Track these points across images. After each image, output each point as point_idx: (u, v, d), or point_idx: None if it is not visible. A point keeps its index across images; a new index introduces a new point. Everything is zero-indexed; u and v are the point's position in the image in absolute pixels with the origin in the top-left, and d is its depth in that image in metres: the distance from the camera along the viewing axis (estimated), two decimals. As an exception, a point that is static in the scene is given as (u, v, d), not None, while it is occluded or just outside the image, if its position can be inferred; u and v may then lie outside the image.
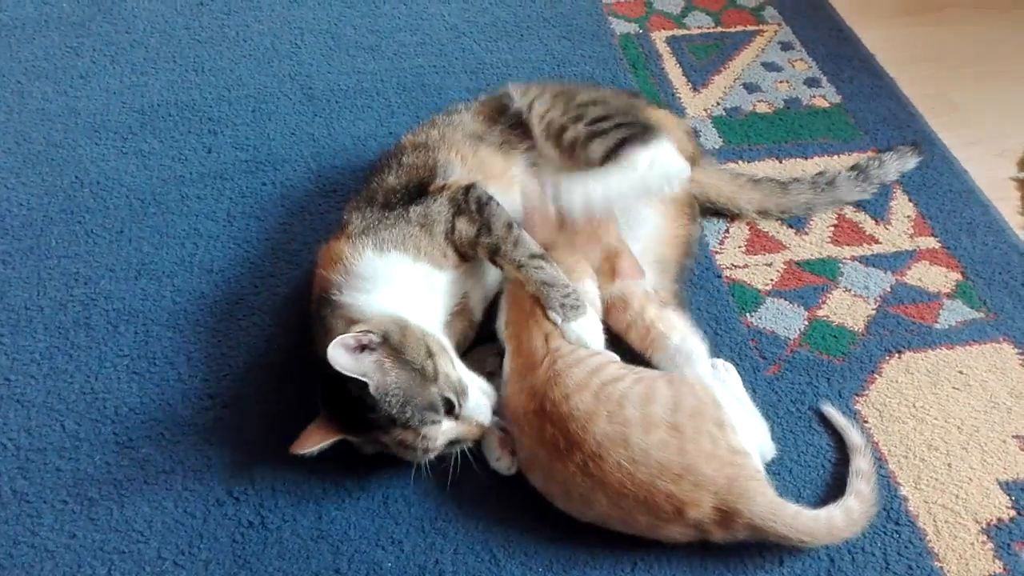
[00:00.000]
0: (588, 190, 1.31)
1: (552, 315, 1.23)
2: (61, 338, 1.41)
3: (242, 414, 1.31)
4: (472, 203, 1.29)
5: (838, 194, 1.61)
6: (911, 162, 1.68)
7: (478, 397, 1.17)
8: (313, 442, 1.14)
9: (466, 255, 1.30)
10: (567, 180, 1.32)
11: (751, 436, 1.14)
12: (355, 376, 1.07)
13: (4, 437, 1.28)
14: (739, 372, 1.35)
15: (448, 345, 1.20)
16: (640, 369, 1.20)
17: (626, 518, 1.08)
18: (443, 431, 1.13)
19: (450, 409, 1.13)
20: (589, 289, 1.30)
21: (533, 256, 1.26)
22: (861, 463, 1.18)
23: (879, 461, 1.25)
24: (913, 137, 1.77)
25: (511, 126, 1.47)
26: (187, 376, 1.36)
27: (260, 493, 1.22)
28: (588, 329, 1.24)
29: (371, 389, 1.08)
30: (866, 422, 1.29)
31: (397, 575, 1.14)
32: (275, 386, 1.34)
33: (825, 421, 1.29)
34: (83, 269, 1.52)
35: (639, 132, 1.38)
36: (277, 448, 1.26)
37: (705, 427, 1.08)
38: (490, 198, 1.30)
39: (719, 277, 1.51)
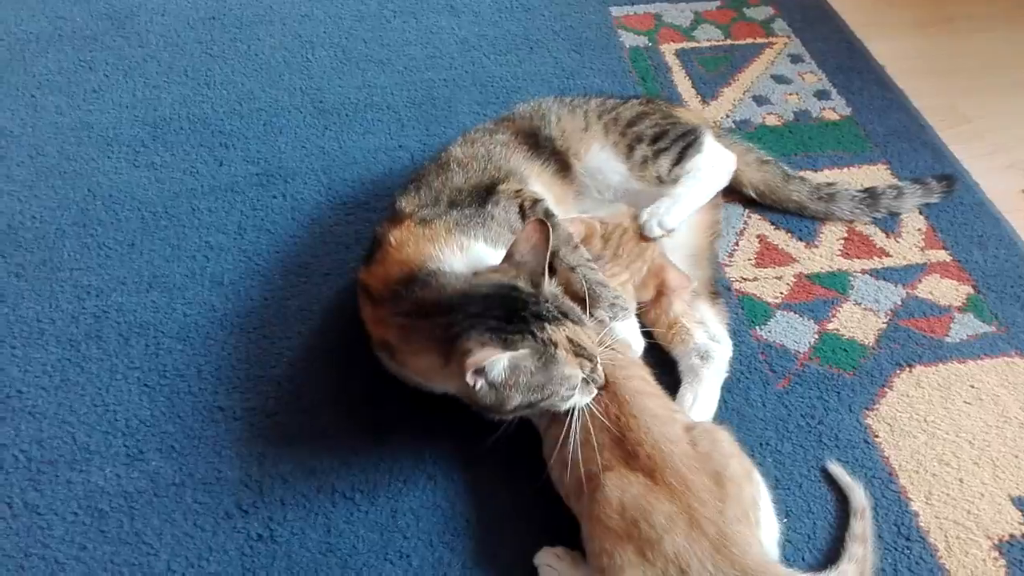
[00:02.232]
0: (667, 213, 1.41)
1: (600, 313, 1.25)
2: (72, 350, 1.42)
3: (252, 427, 1.31)
4: (540, 213, 1.31)
5: (833, 208, 1.61)
6: (934, 197, 1.64)
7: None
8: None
9: None
10: (646, 209, 1.42)
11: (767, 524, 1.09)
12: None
13: (16, 449, 1.29)
14: (749, 386, 1.35)
15: None
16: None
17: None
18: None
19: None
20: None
21: (589, 260, 1.30)
22: (858, 527, 1.14)
23: (890, 476, 1.24)
24: (924, 149, 1.77)
25: (553, 153, 1.49)
26: (197, 389, 1.36)
27: (269, 506, 1.22)
28: (632, 331, 1.29)
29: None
30: (876, 436, 1.29)
31: (406, 589, 1.14)
32: (285, 399, 1.35)
33: (833, 439, 1.28)
34: (95, 281, 1.53)
35: (692, 139, 1.51)
36: (287, 461, 1.27)
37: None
38: (553, 213, 1.33)
39: (729, 290, 1.50)
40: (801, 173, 1.69)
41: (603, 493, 1.04)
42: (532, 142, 1.48)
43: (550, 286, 1.14)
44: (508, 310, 1.09)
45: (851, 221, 1.62)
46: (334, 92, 1.94)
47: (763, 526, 1.04)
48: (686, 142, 1.51)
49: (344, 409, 1.32)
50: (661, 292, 1.36)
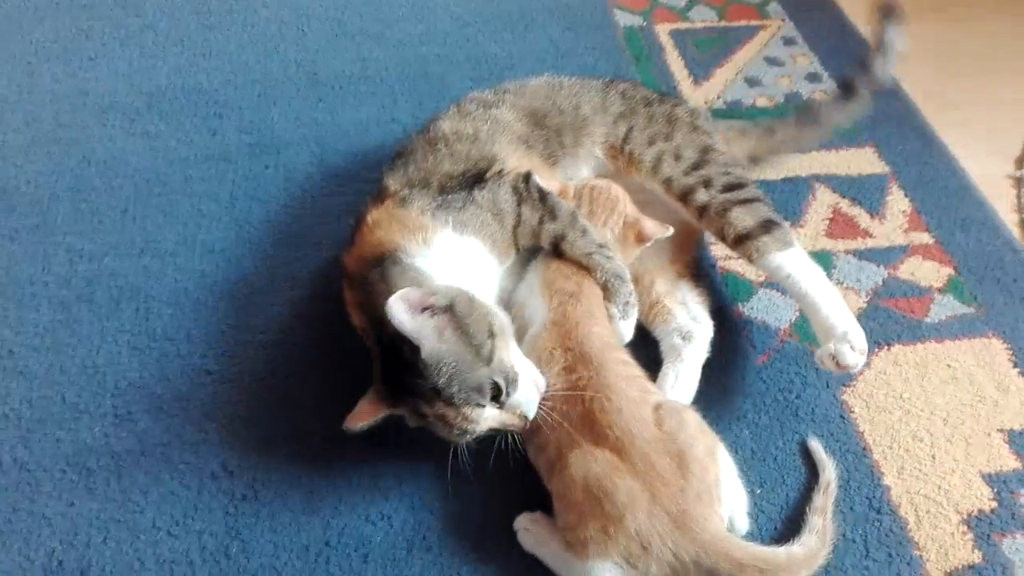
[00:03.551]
0: (852, 335, 1.22)
1: (612, 309, 1.26)
2: (64, 313, 1.44)
3: (239, 390, 1.34)
4: (533, 191, 1.30)
5: (822, 128, 1.63)
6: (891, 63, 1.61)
7: (528, 390, 1.12)
8: (364, 417, 1.14)
9: (521, 246, 1.31)
10: (827, 347, 1.23)
11: (733, 498, 1.11)
12: (410, 335, 1.06)
13: (6, 407, 1.31)
14: (729, 360, 1.37)
15: (510, 329, 1.18)
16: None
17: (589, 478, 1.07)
18: (485, 416, 1.10)
19: (496, 395, 1.10)
20: None
21: (601, 246, 1.28)
22: (820, 500, 1.16)
23: (864, 451, 1.26)
24: (912, 134, 1.78)
25: (557, 136, 1.46)
26: (186, 352, 1.39)
27: (254, 467, 1.24)
28: (630, 329, 1.29)
29: (423, 353, 1.06)
30: (852, 412, 1.31)
31: (386, 549, 1.16)
32: (272, 364, 1.37)
33: (810, 414, 1.31)
34: (87, 246, 1.54)
35: (774, 214, 1.37)
36: (272, 424, 1.29)
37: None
38: (548, 188, 1.31)
39: (713, 267, 1.52)
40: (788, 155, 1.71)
41: (569, 471, 1.06)
42: (533, 122, 1.46)
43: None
44: None
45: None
46: (328, 65, 1.95)
47: (726, 502, 1.06)
48: (768, 210, 1.36)
49: (330, 374, 1.34)
50: (639, 240, 1.35)
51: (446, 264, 1.21)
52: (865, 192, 1.67)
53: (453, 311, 1.10)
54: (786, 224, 1.37)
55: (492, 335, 1.11)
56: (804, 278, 1.30)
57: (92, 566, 1.15)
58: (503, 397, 1.10)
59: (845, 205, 1.64)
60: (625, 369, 1.16)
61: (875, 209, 1.63)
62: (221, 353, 1.38)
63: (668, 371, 1.32)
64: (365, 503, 1.21)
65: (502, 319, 1.16)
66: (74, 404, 1.32)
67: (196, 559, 1.15)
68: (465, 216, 1.25)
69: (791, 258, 1.32)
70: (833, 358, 1.21)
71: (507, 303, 1.30)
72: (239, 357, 1.38)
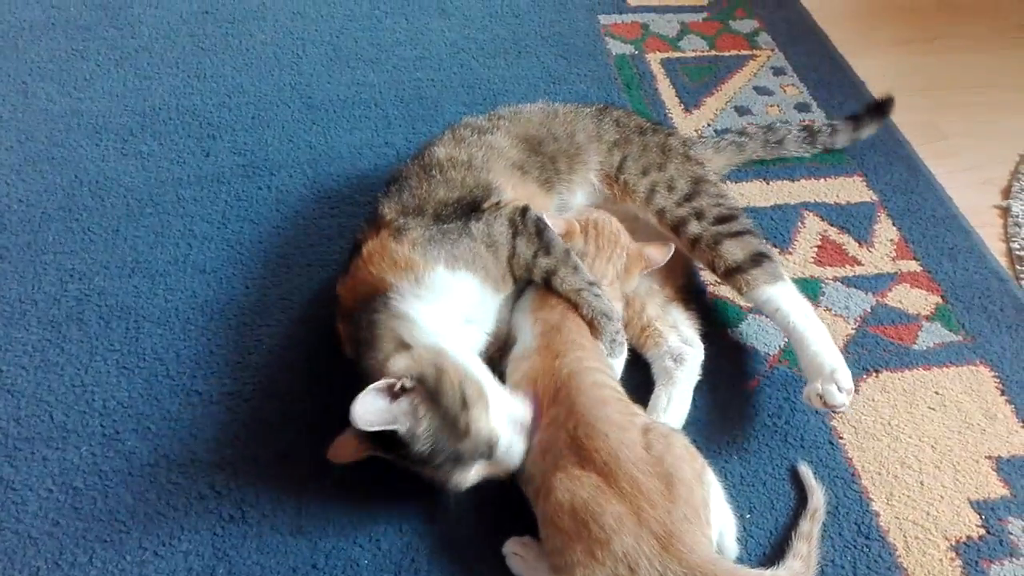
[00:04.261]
0: (837, 376, 1.24)
1: (600, 347, 1.26)
2: (53, 332, 1.43)
3: (228, 411, 1.33)
4: (530, 225, 1.30)
5: (783, 150, 1.79)
6: (864, 133, 1.83)
7: (511, 441, 1.12)
8: (348, 452, 1.15)
9: (518, 278, 1.31)
10: (813, 386, 1.25)
11: (722, 524, 1.11)
12: (382, 428, 1.06)
13: (-7, 426, 1.30)
14: (718, 385, 1.38)
15: (484, 382, 1.16)
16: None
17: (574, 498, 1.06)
18: (471, 475, 1.13)
19: (480, 458, 1.12)
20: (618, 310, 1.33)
21: (591, 283, 1.28)
22: (806, 526, 1.16)
23: (853, 477, 1.27)
24: (900, 163, 1.81)
25: (552, 162, 1.47)
26: (175, 372, 1.38)
27: (242, 488, 1.24)
28: (621, 366, 1.29)
29: (399, 434, 1.07)
30: (841, 438, 1.32)
31: (374, 572, 1.15)
32: (261, 385, 1.36)
33: (799, 439, 1.31)
34: (78, 265, 1.54)
35: (766, 245, 1.41)
36: (261, 445, 1.29)
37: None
38: (546, 223, 1.31)
39: (703, 293, 1.53)
40: (777, 183, 1.73)
41: (555, 495, 1.06)
42: (529, 148, 1.47)
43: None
44: None
45: (799, 157, 1.81)
46: (323, 88, 1.96)
47: (714, 525, 1.06)
48: (760, 242, 1.40)
49: (319, 397, 1.34)
50: (643, 267, 1.38)
51: (439, 302, 1.21)
52: (853, 220, 1.69)
53: (425, 385, 1.10)
54: (776, 257, 1.40)
55: (466, 406, 1.11)
56: (793, 313, 1.32)
57: (76, 587, 1.14)
58: (489, 456, 1.12)
59: (833, 233, 1.66)
60: (610, 394, 1.16)
61: (863, 237, 1.65)
62: (210, 374, 1.38)
63: (660, 394, 1.33)
64: (353, 525, 1.20)
65: (476, 380, 1.14)
66: (62, 423, 1.31)
67: (182, 580, 1.15)
68: (459, 250, 1.25)
69: (780, 292, 1.34)
70: (820, 397, 1.23)
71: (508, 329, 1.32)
72: (228, 378, 1.37)
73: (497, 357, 1.29)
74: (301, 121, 1.87)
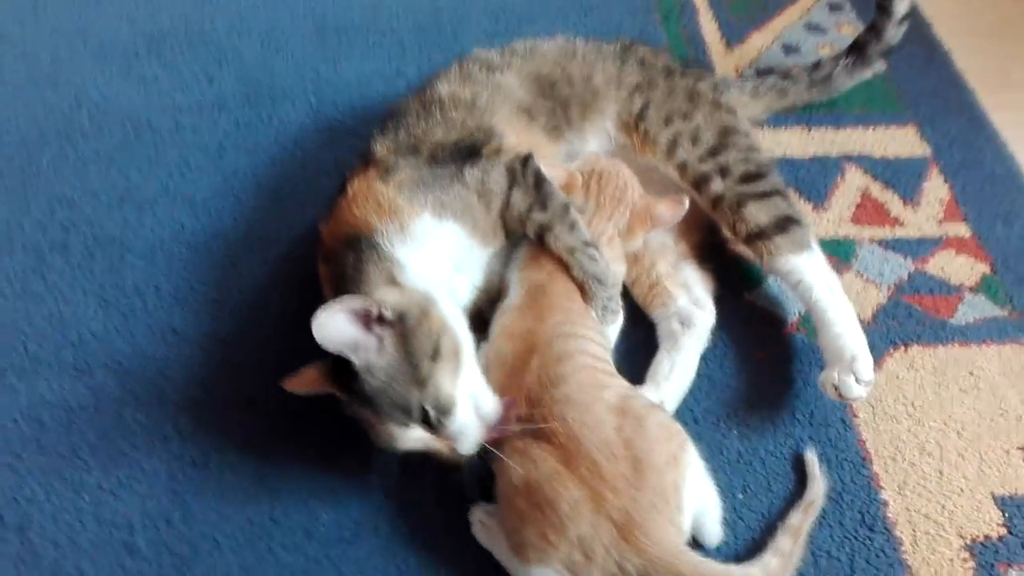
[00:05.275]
0: (857, 366, 1.12)
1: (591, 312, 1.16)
2: (37, 260, 1.39)
3: (202, 351, 1.28)
4: (530, 176, 1.18)
5: (835, 88, 1.60)
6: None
7: (466, 422, 1.01)
8: (306, 383, 1.06)
9: (511, 231, 1.20)
10: (830, 374, 1.13)
11: (703, 507, 1.02)
12: (339, 352, 0.98)
13: (-33, 353, 1.28)
14: (727, 352, 1.27)
15: (465, 348, 1.06)
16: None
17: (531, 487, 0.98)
18: (411, 437, 1.04)
19: (427, 419, 1.01)
20: (619, 274, 1.22)
21: (587, 244, 1.16)
22: (796, 519, 1.05)
23: (863, 461, 1.15)
24: (961, 114, 1.62)
25: (563, 108, 1.35)
26: (153, 308, 1.33)
27: (207, 432, 1.19)
28: (614, 333, 1.20)
29: (356, 364, 0.98)
30: (856, 416, 1.19)
31: (333, 529, 1.10)
32: (239, 326, 1.30)
33: (808, 416, 1.19)
34: (68, 192, 1.50)
35: (796, 209, 1.28)
36: (232, 389, 1.24)
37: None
38: (545, 175, 1.20)
39: (722, 249, 1.40)
40: (820, 131, 1.57)
41: (511, 474, 0.98)
42: (539, 91, 1.34)
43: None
44: None
45: (849, 100, 1.63)
46: (338, 13, 1.85)
47: (689, 508, 0.97)
48: (789, 206, 1.27)
49: (297, 342, 1.24)
50: (649, 225, 1.24)
51: (425, 251, 1.11)
52: (900, 176, 1.52)
53: (404, 323, 1.01)
54: (806, 222, 1.26)
55: (436, 356, 1.01)
56: (816, 287, 1.20)
57: (32, 523, 1.11)
58: (434, 421, 1.01)
59: (876, 189, 1.50)
60: (588, 361, 1.05)
61: (909, 195, 1.49)
62: (188, 311, 1.32)
63: (663, 360, 1.22)
64: (318, 479, 1.14)
65: (456, 340, 1.05)
66: (35, 354, 1.28)
67: (137, 524, 1.11)
68: (448, 197, 1.14)
69: (805, 263, 1.22)
70: (836, 388, 1.12)
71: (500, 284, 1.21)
72: (206, 317, 1.32)
73: (487, 310, 1.19)
74: (311, 47, 1.77)
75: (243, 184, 1.51)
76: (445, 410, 1.00)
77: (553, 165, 1.25)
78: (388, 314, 1.00)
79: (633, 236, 1.24)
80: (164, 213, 1.46)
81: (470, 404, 1.02)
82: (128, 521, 1.11)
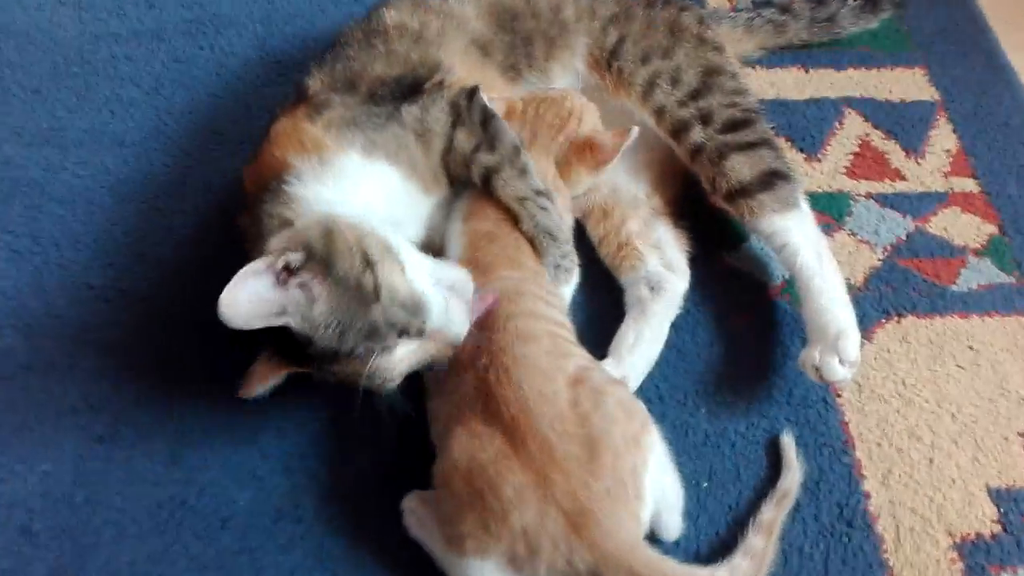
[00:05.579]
0: (846, 346, 0.99)
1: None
2: (-53, 204, 1.27)
3: (120, 310, 1.16)
4: (476, 112, 1.05)
5: (837, 30, 1.45)
6: None
7: (443, 305, 0.90)
8: (260, 379, 0.93)
9: (455, 177, 1.06)
10: (810, 353, 1.01)
11: (664, 496, 0.91)
12: (263, 324, 0.85)
13: None
14: (699, 319, 1.14)
15: (393, 241, 0.93)
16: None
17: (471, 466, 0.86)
18: (400, 358, 0.89)
19: (404, 328, 0.89)
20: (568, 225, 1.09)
21: (539, 193, 1.03)
22: (769, 514, 0.93)
23: (845, 446, 1.03)
24: (976, 55, 1.46)
25: (524, 44, 1.19)
26: (70, 260, 1.21)
27: (121, 404, 1.07)
28: (569, 294, 1.07)
29: (294, 327, 0.86)
30: (839, 396, 1.07)
31: (250, 515, 0.99)
32: (162, 284, 1.18)
33: (786, 394, 1.07)
34: (-13, 130, 1.36)
35: (784, 162, 1.14)
36: (150, 354, 1.12)
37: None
38: (494, 111, 1.06)
39: (702, 204, 1.26)
40: (818, 72, 1.42)
41: (450, 454, 0.86)
42: (498, 23, 1.19)
43: None
44: None
45: (853, 39, 1.47)
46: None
47: (648, 500, 0.85)
48: (778, 159, 1.13)
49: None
50: (593, 162, 1.10)
51: (347, 195, 0.97)
52: (904, 123, 1.37)
53: (313, 255, 0.87)
54: (796, 177, 1.13)
55: (369, 263, 0.88)
56: (802, 252, 1.07)
57: (-77, 504, 1.01)
58: (418, 326, 0.89)
59: (877, 137, 1.35)
60: (541, 328, 0.93)
61: (913, 145, 1.34)
62: (107, 265, 1.20)
63: (628, 330, 1.10)
64: (237, 458, 1.03)
65: (381, 237, 0.91)
66: (-61, 312, 1.16)
67: (36, 505, 1.00)
68: (382, 137, 1.01)
69: (791, 224, 1.09)
70: (817, 369, 0.99)
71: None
72: (127, 272, 1.19)
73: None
74: (262, -31, 1.61)
75: (178, 124, 1.37)
76: (418, 304, 0.88)
77: (492, 96, 1.10)
78: (293, 259, 0.86)
79: (578, 177, 1.10)
80: (90, 155, 1.32)
81: (435, 287, 0.91)
82: (27, 503, 1.00)
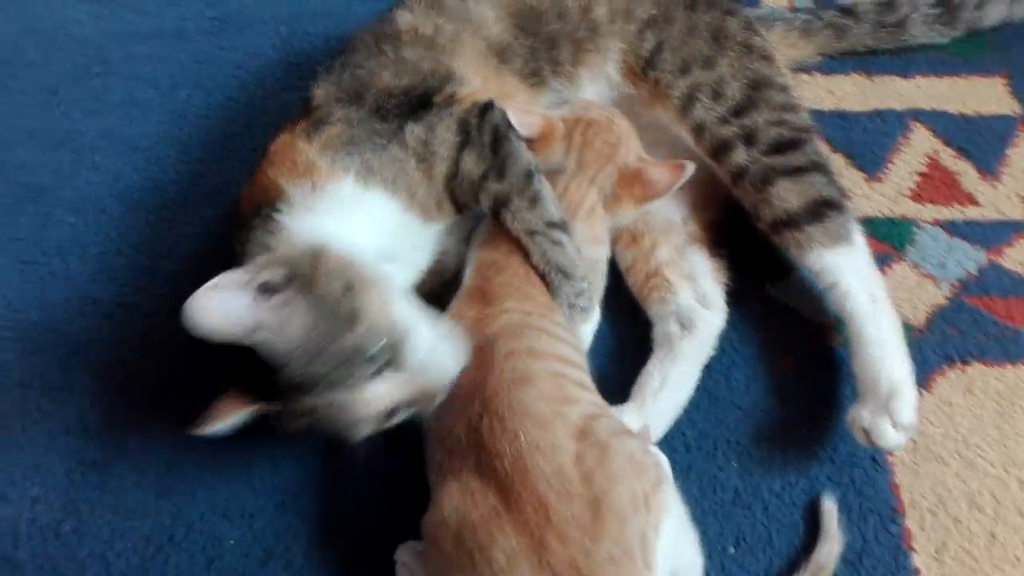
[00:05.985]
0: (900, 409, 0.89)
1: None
2: (-42, 210, 1.24)
3: (123, 328, 1.11)
4: (487, 132, 0.96)
5: (906, 38, 1.32)
6: None
7: (430, 340, 0.83)
8: (221, 416, 0.85)
9: (462, 204, 0.98)
10: (860, 414, 0.90)
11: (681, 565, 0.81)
12: (230, 341, 0.79)
13: None
14: (735, 361, 1.04)
15: (380, 274, 0.87)
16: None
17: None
18: (377, 394, 0.81)
19: (387, 363, 0.81)
20: (600, 258, 1.01)
21: (551, 225, 0.94)
22: None
23: (894, 513, 0.92)
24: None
25: (548, 48, 1.10)
26: (76, 272, 1.16)
27: (116, 428, 1.03)
28: (588, 335, 0.99)
29: (264, 351, 0.80)
30: (890, 455, 0.96)
31: (238, 555, 0.93)
32: (166, 298, 1.13)
33: (831, 451, 0.96)
34: (4, 132, 1.33)
35: (838, 188, 1.03)
36: (150, 376, 1.08)
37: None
38: (510, 129, 0.97)
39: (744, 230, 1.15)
40: (882, 79, 1.29)
41: (439, 510, 0.78)
42: (519, 25, 1.09)
43: None
44: None
45: (927, 46, 1.33)
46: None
47: (659, 567, 0.76)
48: (830, 186, 1.02)
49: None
50: (640, 197, 1.01)
51: (338, 224, 0.89)
52: (980, 140, 1.24)
53: (298, 277, 0.80)
54: (848, 208, 1.01)
55: (349, 288, 0.81)
56: (854, 294, 0.96)
57: (-92, 528, 0.97)
58: (397, 359, 0.81)
59: (948, 156, 1.22)
60: (555, 367, 0.84)
61: (989, 166, 1.21)
62: (112, 278, 1.15)
63: (653, 371, 1.00)
64: (228, 494, 0.97)
65: (368, 269, 0.85)
66: (-60, 325, 1.13)
67: (23, 532, 0.96)
68: (379, 161, 0.93)
69: (843, 260, 0.98)
70: (866, 432, 0.88)
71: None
72: (130, 286, 1.15)
73: (441, 292, 0.98)
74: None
75: (193, 128, 1.31)
76: (395, 337, 0.81)
77: (528, 111, 1.01)
78: (275, 275, 0.80)
79: (620, 208, 1.01)
80: (103, 160, 1.28)
81: (420, 325, 0.83)
82: (14, 529, 0.96)
